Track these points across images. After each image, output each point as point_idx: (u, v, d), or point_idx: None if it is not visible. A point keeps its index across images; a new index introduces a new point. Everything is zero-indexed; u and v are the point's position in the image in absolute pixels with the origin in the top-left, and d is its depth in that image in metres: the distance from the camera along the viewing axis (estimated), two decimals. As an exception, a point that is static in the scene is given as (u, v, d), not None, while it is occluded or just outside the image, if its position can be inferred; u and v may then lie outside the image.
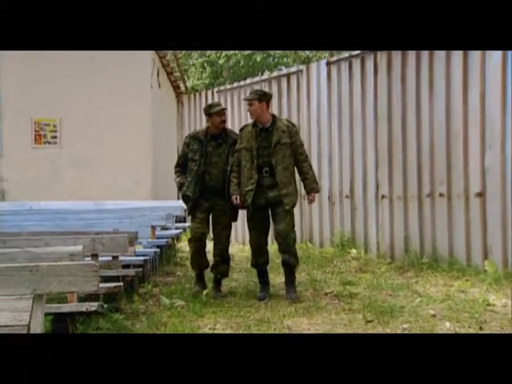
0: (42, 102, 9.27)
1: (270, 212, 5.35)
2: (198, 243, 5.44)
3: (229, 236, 5.62)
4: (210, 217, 5.52)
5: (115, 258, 4.86)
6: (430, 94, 6.44)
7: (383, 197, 7.06)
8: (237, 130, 5.70)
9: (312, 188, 5.40)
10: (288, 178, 5.25)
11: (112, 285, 4.34)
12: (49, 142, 9.64)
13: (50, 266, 3.24)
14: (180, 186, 5.57)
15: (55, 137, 9.62)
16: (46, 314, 3.54)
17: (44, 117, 9.52)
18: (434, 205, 6.44)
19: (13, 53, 8.87)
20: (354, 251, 7.31)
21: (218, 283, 5.49)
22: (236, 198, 5.31)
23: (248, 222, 5.45)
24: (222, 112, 5.55)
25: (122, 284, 4.57)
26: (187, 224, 7.77)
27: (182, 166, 5.59)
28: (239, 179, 5.34)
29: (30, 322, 2.64)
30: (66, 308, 3.68)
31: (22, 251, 3.71)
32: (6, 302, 2.66)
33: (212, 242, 5.67)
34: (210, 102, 10.25)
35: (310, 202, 5.49)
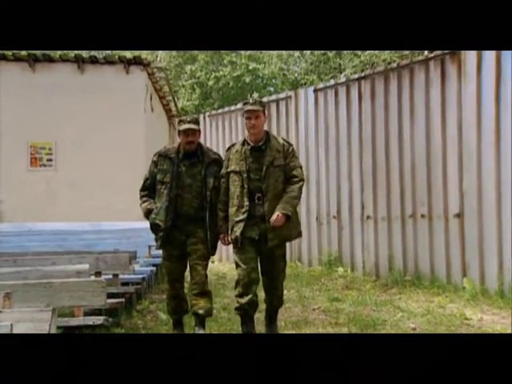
0: (37, 127, 9.44)
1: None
2: (176, 285, 4.65)
3: (206, 267, 4.69)
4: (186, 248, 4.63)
5: (115, 275, 5.16)
6: (411, 120, 6.81)
7: (368, 217, 7.40)
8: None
9: (281, 207, 4.34)
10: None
11: (114, 301, 4.63)
12: (44, 165, 9.83)
13: (62, 283, 3.58)
14: (147, 213, 4.65)
15: (50, 159, 9.82)
16: (57, 327, 3.83)
17: (40, 140, 9.71)
18: (416, 225, 6.78)
19: (9, 80, 9.22)
20: (340, 269, 7.62)
21: (201, 322, 4.54)
22: (224, 237, 4.55)
23: (235, 255, 4.52)
24: (191, 132, 4.59)
25: (123, 300, 4.86)
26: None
27: (148, 190, 4.73)
28: (227, 211, 4.52)
29: (49, 331, 2.93)
30: (74, 322, 3.97)
31: (33, 270, 4.04)
32: (26, 314, 2.94)
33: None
34: (201, 126, 10.61)
35: (272, 222, 4.30)
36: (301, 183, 4.56)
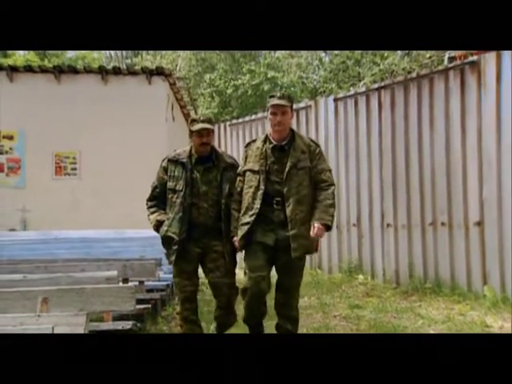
0: (62, 136, 9.62)
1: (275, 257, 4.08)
2: (186, 305, 4.20)
3: (232, 285, 4.22)
4: (203, 263, 4.25)
5: (141, 282, 5.30)
6: (431, 130, 6.88)
7: (388, 225, 7.46)
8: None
9: (319, 217, 3.94)
10: (302, 214, 3.97)
11: (141, 306, 4.76)
12: (68, 174, 10.03)
13: (93, 289, 3.72)
14: (157, 226, 4.22)
15: (75, 168, 10.01)
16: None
17: (64, 150, 9.92)
18: (436, 233, 6.83)
19: (35, 92, 9.44)
20: (361, 277, 7.69)
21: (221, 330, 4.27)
22: (241, 239, 4.09)
23: (244, 261, 4.13)
24: (205, 132, 4.18)
25: (149, 306, 4.99)
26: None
27: (158, 199, 4.29)
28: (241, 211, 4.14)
29: (84, 335, 3.06)
30: (104, 326, 4.10)
31: (64, 276, 4.18)
32: (63, 318, 3.08)
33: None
34: (222, 136, 10.75)
35: (313, 235, 3.92)
36: (332, 188, 4.08)
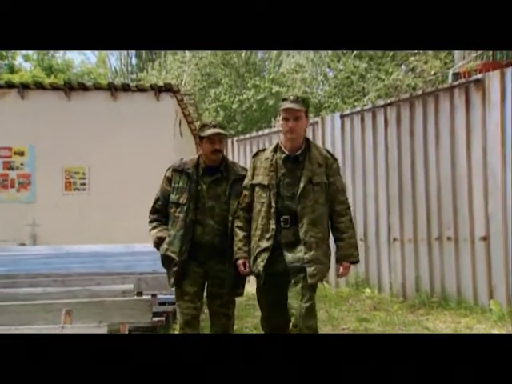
0: (72, 152, 9.74)
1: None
2: (188, 331, 3.77)
3: (231, 316, 3.89)
4: (205, 287, 3.91)
5: (154, 295, 5.40)
6: (437, 146, 7.00)
7: (395, 240, 7.57)
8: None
9: (347, 255, 3.62)
10: (318, 236, 3.56)
11: (156, 319, 4.87)
12: (78, 189, 10.13)
13: (112, 301, 3.84)
14: (158, 243, 3.87)
15: (84, 184, 10.14)
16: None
17: (74, 165, 10.05)
18: (443, 247, 6.94)
19: (46, 108, 9.59)
20: (368, 291, 7.78)
21: None
22: (244, 264, 3.67)
23: (258, 295, 3.77)
24: (217, 138, 3.81)
25: (163, 319, 5.10)
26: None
27: (160, 212, 3.92)
28: (249, 231, 3.68)
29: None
30: (121, 339, 4.21)
31: (82, 289, 4.30)
32: (85, 329, 3.17)
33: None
34: (229, 151, 10.87)
35: (341, 275, 3.71)
36: (350, 213, 3.74)
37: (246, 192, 3.77)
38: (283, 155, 3.67)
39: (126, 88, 10.04)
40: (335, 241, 3.73)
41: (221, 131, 3.83)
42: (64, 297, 4.15)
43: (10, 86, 9.68)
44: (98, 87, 10.05)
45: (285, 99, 3.70)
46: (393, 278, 7.60)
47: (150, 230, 3.96)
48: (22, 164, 9.74)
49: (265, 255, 3.59)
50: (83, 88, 9.93)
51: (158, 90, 10.02)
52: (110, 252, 6.97)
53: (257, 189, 3.69)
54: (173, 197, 3.83)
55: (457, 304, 6.63)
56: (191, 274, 3.80)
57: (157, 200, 3.99)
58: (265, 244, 3.60)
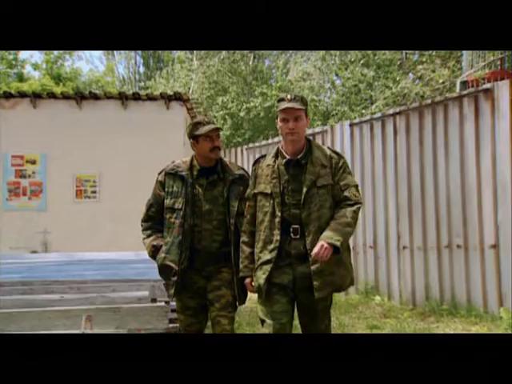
0: (83, 160, 9.86)
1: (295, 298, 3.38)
2: None
3: (233, 320, 3.61)
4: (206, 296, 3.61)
5: (167, 302, 5.46)
6: (446, 154, 7.05)
7: (404, 247, 7.61)
8: None
9: (326, 236, 3.20)
10: None
11: (171, 325, 4.92)
12: (88, 197, 10.23)
13: (129, 308, 3.91)
14: (153, 252, 3.68)
15: (95, 192, 10.22)
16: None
17: (84, 173, 10.15)
18: (452, 255, 6.97)
19: (57, 117, 9.70)
20: (377, 298, 7.83)
21: None
22: (251, 282, 3.42)
23: (259, 307, 3.42)
24: (215, 134, 3.59)
25: (177, 325, 5.15)
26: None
27: (153, 219, 3.72)
28: (254, 247, 3.42)
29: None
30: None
31: (98, 296, 4.36)
32: (105, 336, 3.24)
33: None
34: (238, 159, 10.95)
35: (315, 254, 3.17)
36: (355, 206, 3.33)
37: (249, 203, 3.49)
38: (284, 160, 3.39)
39: (136, 97, 10.14)
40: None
41: (218, 126, 3.62)
42: (81, 303, 4.22)
43: (22, 95, 9.81)
44: (108, 96, 10.17)
45: (282, 99, 3.43)
46: (402, 286, 7.63)
47: (144, 238, 3.78)
48: (33, 172, 9.85)
49: (267, 267, 3.29)
50: (94, 97, 10.04)
51: (168, 98, 10.13)
52: (122, 259, 7.02)
53: (259, 198, 3.42)
54: (167, 202, 3.60)
55: (467, 312, 6.66)
56: (191, 286, 3.57)
57: (150, 206, 3.77)
58: (267, 256, 3.31)
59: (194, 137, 3.62)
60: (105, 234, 9.88)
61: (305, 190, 3.31)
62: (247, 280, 3.46)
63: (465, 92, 6.99)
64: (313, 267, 3.23)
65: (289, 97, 3.38)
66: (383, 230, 7.96)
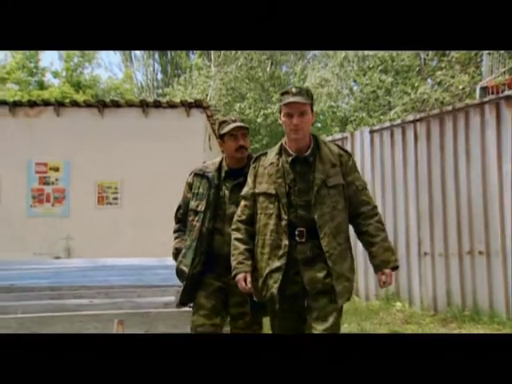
0: (104, 167, 10.02)
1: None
2: None
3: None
4: (226, 306, 3.44)
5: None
6: (467, 160, 7.07)
7: (425, 254, 7.62)
8: None
9: (384, 261, 3.08)
10: (341, 247, 3.07)
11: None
12: (110, 203, 10.39)
13: (157, 313, 3.99)
14: (175, 255, 3.58)
15: (116, 198, 10.37)
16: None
17: (106, 180, 10.29)
18: (474, 261, 6.98)
19: (80, 125, 9.86)
20: (398, 304, 7.83)
21: None
22: (245, 278, 3.08)
23: (271, 322, 3.23)
24: (240, 132, 3.41)
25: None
26: None
27: (182, 222, 3.60)
28: (250, 245, 3.16)
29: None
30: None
31: (126, 301, 4.46)
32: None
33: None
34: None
35: (385, 284, 3.14)
36: (379, 214, 3.20)
37: (245, 202, 3.21)
38: (290, 158, 3.12)
39: (157, 104, 10.28)
40: (366, 247, 3.17)
41: (243, 124, 3.44)
42: (109, 308, 4.32)
43: (46, 103, 9.99)
44: (130, 104, 10.32)
45: (286, 92, 3.15)
46: (424, 292, 7.64)
47: (173, 240, 3.66)
48: (57, 179, 10.02)
49: (278, 275, 3.02)
50: (116, 105, 10.20)
51: (189, 106, 10.26)
52: (146, 265, 7.12)
53: (261, 199, 3.13)
54: (192, 204, 3.47)
55: (489, 318, 6.65)
56: (205, 286, 3.40)
57: (178, 208, 3.66)
58: (276, 263, 3.04)
59: (220, 136, 3.50)
60: (126, 240, 10.01)
61: (315, 189, 3.04)
62: (240, 276, 3.08)
63: (486, 99, 7.02)
64: (333, 271, 3.00)
65: (293, 90, 3.12)
66: (404, 237, 7.97)
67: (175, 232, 3.66)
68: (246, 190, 3.23)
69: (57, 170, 10.02)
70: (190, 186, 3.55)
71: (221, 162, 3.51)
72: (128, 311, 3.96)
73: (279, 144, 3.23)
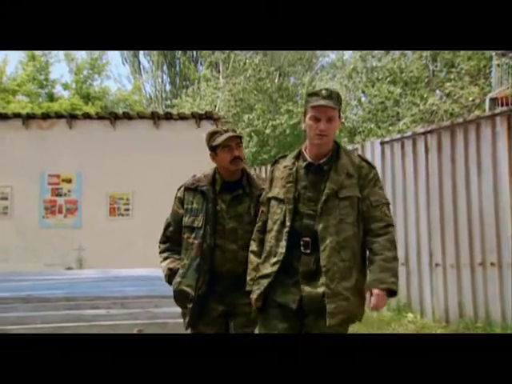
0: (116, 179, 10.09)
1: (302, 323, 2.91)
2: None
3: None
4: (229, 328, 3.27)
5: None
6: (479, 172, 7.09)
7: (437, 265, 7.64)
8: None
9: (376, 279, 2.76)
10: (344, 264, 2.81)
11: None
12: (122, 214, 10.47)
13: (175, 323, 4.04)
14: (169, 276, 3.33)
15: (128, 209, 10.46)
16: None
17: (118, 191, 10.36)
18: (486, 273, 6.98)
19: (92, 137, 9.96)
20: (410, 315, 7.83)
21: None
22: (258, 299, 2.95)
23: (259, 330, 3.10)
24: (234, 142, 3.20)
25: (217, 341, 5.27)
26: None
27: (171, 240, 3.36)
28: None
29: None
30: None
31: (143, 311, 4.51)
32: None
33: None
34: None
35: (372, 307, 2.76)
36: (391, 232, 2.87)
37: (262, 208, 3.07)
38: (304, 163, 2.94)
39: (168, 116, 10.38)
40: (368, 266, 2.91)
41: (236, 134, 3.23)
42: (126, 318, 4.36)
43: (58, 116, 10.10)
44: (141, 116, 10.43)
45: (315, 94, 2.94)
46: (435, 303, 7.64)
47: (161, 261, 3.42)
48: (69, 191, 10.11)
49: (263, 282, 2.89)
50: (127, 117, 10.30)
51: (199, 117, 10.34)
52: (158, 276, 7.17)
53: (272, 203, 2.98)
54: (186, 220, 3.24)
55: (502, 329, 6.65)
56: (208, 312, 3.19)
57: (167, 226, 3.43)
58: (267, 269, 2.90)
59: (212, 148, 3.26)
60: (137, 251, 10.03)
61: (323, 199, 2.84)
62: (253, 295, 2.97)
63: (497, 111, 7.05)
64: (327, 289, 2.77)
65: (323, 92, 2.89)
66: (415, 248, 7.99)
67: (164, 251, 3.39)
68: (263, 195, 3.10)
69: (69, 181, 10.11)
70: (181, 201, 3.33)
71: (214, 175, 3.29)
72: (145, 321, 4.01)
73: (299, 148, 3.07)
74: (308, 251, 2.85)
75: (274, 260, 2.88)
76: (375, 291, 2.74)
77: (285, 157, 3.11)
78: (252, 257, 3.04)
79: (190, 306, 3.16)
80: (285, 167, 2.99)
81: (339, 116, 2.96)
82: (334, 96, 2.90)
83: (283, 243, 2.85)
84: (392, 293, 2.80)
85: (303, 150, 3.00)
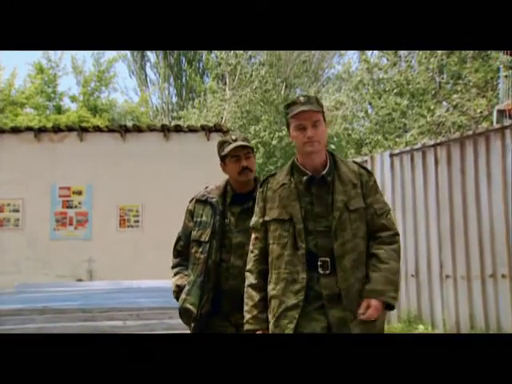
0: (126, 191, 10.15)
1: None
2: None
3: None
4: None
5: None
6: (488, 183, 7.14)
7: (447, 276, 7.66)
8: None
9: (377, 290, 2.58)
10: (359, 284, 2.62)
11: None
12: (131, 226, 10.52)
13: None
14: (177, 293, 3.17)
15: (137, 221, 10.50)
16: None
17: (128, 203, 10.42)
18: (497, 285, 7.01)
19: (103, 149, 10.04)
20: (421, 327, 7.84)
21: None
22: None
23: None
24: (242, 152, 3.05)
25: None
26: None
27: (182, 255, 3.23)
28: (264, 288, 2.72)
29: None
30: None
31: (159, 323, 4.56)
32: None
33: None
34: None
35: (364, 316, 2.54)
36: (397, 242, 2.72)
37: (256, 234, 2.78)
38: (305, 177, 2.70)
39: (177, 129, 10.46)
40: (367, 271, 2.66)
41: (245, 143, 3.06)
42: (142, 329, 4.42)
43: (69, 129, 10.20)
44: (151, 129, 10.51)
45: (293, 103, 2.75)
46: (446, 315, 7.65)
47: (172, 276, 3.25)
48: (79, 203, 10.18)
49: (293, 314, 2.58)
50: (137, 130, 10.39)
51: (209, 130, 10.42)
52: (170, 287, 7.23)
53: (273, 227, 2.71)
54: (194, 233, 3.10)
55: (513, 341, 6.66)
56: (215, 331, 3.00)
57: (178, 240, 3.30)
58: (292, 300, 2.59)
59: (221, 158, 3.14)
60: (147, 263, 10.07)
61: (337, 214, 2.62)
62: (258, 332, 2.70)
63: (507, 124, 7.10)
64: (348, 308, 2.58)
65: (302, 99, 2.72)
66: (425, 260, 8.00)
67: (175, 267, 3.25)
68: (254, 220, 2.81)
69: (80, 193, 10.18)
70: (191, 213, 3.21)
71: (225, 187, 3.14)
72: (162, 332, 4.05)
73: (290, 163, 2.81)
74: (327, 272, 2.60)
75: (297, 287, 2.59)
76: (374, 303, 2.57)
77: (273, 175, 2.85)
78: (251, 291, 2.73)
79: (192, 324, 3.01)
80: (282, 186, 2.73)
81: (324, 119, 2.78)
82: (312, 100, 2.73)
83: (302, 267, 2.59)
84: (388, 307, 2.66)
85: (297, 164, 2.77)
